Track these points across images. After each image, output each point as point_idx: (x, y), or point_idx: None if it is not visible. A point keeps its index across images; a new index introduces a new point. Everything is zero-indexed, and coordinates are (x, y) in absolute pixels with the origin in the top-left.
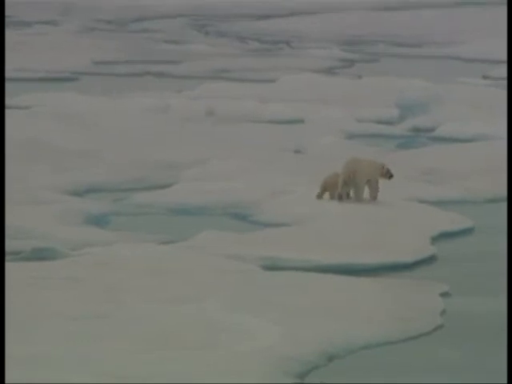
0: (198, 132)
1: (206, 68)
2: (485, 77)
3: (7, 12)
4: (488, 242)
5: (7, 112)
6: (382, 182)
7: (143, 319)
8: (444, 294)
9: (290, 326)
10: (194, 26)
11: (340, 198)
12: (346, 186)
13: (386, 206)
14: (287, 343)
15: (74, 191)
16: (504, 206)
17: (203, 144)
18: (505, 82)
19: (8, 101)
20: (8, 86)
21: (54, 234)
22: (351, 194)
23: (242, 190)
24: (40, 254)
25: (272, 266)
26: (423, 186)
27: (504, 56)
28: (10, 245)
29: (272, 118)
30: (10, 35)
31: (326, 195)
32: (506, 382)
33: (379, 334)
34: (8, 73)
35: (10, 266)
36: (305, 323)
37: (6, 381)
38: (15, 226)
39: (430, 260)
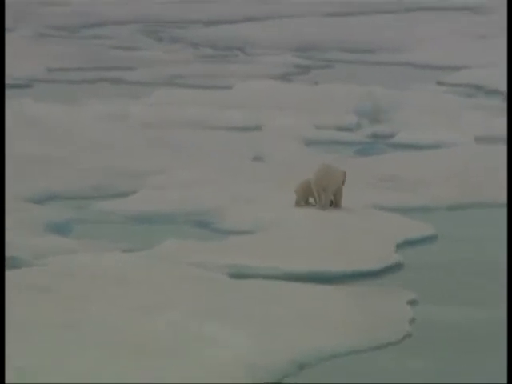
0: (157, 139)
1: (160, 74)
2: (439, 83)
3: None
4: (452, 249)
5: None
6: (346, 189)
7: (112, 328)
8: (411, 302)
9: (259, 335)
10: (145, 33)
11: (324, 206)
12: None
13: (349, 212)
14: (257, 352)
15: (34, 198)
16: (466, 213)
17: (163, 151)
18: (460, 89)
19: None
20: None
21: (15, 242)
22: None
23: (204, 198)
24: (7, 263)
25: (238, 274)
26: (384, 193)
27: (458, 62)
28: None
29: (229, 124)
30: None
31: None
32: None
33: (348, 342)
34: None
35: None
36: (273, 332)
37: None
38: None
39: (396, 268)
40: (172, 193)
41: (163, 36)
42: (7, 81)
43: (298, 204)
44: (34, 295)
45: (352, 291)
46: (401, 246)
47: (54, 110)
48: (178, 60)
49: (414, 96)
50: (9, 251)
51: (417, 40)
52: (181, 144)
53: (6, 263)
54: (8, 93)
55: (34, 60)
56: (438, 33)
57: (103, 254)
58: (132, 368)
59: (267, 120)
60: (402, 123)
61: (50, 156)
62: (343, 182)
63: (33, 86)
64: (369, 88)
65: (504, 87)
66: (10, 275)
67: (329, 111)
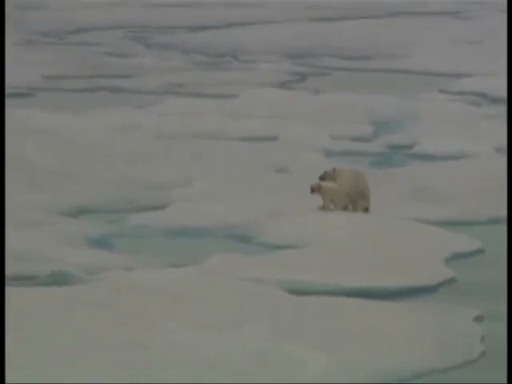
0: (175, 150)
1: (159, 82)
2: (441, 91)
3: None
4: (502, 264)
5: None
6: (378, 201)
7: (184, 347)
8: (477, 319)
9: (337, 354)
10: (132, 39)
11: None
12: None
13: (389, 224)
14: (339, 372)
15: (65, 212)
16: (505, 227)
17: (184, 163)
18: (465, 97)
19: None
20: None
21: (62, 257)
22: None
23: (238, 211)
24: (57, 279)
25: (294, 290)
26: (419, 205)
27: (458, 69)
28: (18, 268)
29: (244, 134)
30: None
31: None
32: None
33: (426, 362)
34: None
35: (28, 292)
36: (350, 351)
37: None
38: (18, 248)
39: (450, 282)
40: (204, 206)
41: (151, 42)
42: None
43: (326, 208)
44: (95, 312)
45: (415, 307)
46: (449, 261)
47: (64, 121)
48: (173, 67)
49: (426, 105)
50: (57, 266)
51: (410, 46)
52: (200, 155)
53: (55, 279)
54: (9, 102)
55: (27, 67)
56: (429, 38)
57: (157, 269)
58: None
59: (282, 130)
60: (418, 133)
61: (71, 168)
62: None
63: (34, 95)
64: (379, 97)
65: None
66: (65, 292)
67: (342, 121)
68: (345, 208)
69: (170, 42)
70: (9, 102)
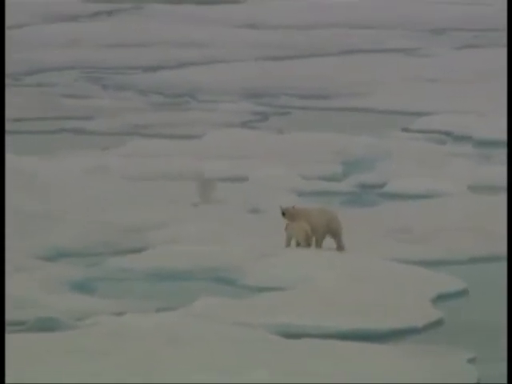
0: (147, 192)
1: (121, 124)
2: (404, 129)
3: None
4: (486, 305)
5: None
6: (355, 241)
7: None
8: (471, 361)
9: None
10: (87, 79)
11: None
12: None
13: (371, 265)
14: None
15: (44, 256)
16: (490, 266)
17: (157, 204)
18: (429, 135)
19: None
20: None
21: (45, 302)
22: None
23: (217, 253)
24: (44, 325)
25: (284, 333)
26: (398, 245)
27: (417, 107)
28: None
29: (213, 175)
30: None
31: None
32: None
33: None
34: None
35: (14, 338)
36: None
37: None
38: None
39: (438, 324)
40: (185, 249)
41: (107, 83)
42: None
43: (288, 245)
44: (92, 360)
45: (408, 350)
46: (435, 301)
47: (35, 164)
48: (132, 108)
49: (393, 144)
50: (41, 312)
51: (368, 84)
52: (173, 196)
53: (41, 325)
54: None
55: None
56: (385, 77)
57: (147, 313)
58: None
59: (251, 170)
60: (388, 172)
61: (47, 211)
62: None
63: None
64: (346, 136)
65: (474, 133)
66: (55, 338)
67: (311, 161)
68: (308, 245)
69: (126, 83)
70: None
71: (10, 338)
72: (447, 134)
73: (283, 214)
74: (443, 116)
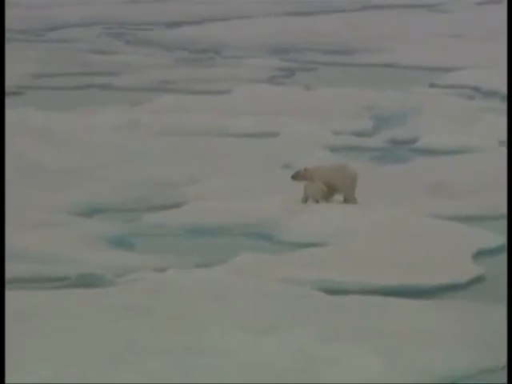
0: (179, 148)
1: (147, 80)
2: (431, 85)
3: None
4: None
5: None
6: (393, 196)
7: (235, 350)
8: None
9: (387, 356)
10: (110, 35)
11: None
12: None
13: (409, 221)
14: (392, 374)
15: (79, 212)
16: None
17: (190, 160)
18: (457, 91)
19: None
20: None
21: (86, 259)
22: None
23: (253, 209)
24: (86, 281)
25: (329, 290)
26: (436, 201)
27: (445, 62)
28: (41, 270)
29: (243, 131)
30: None
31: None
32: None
33: (475, 362)
34: None
35: (57, 294)
36: (399, 352)
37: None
38: (37, 250)
39: (480, 279)
40: (218, 203)
41: (130, 39)
42: None
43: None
44: (134, 316)
45: (451, 305)
46: (476, 257)
47: (61, 120)
48: (158, 64)
49: (423, 99)
50: (81, 268)
51: (390, 40)
52: (204, 152)
53: (82, 281)
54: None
55: (11, 66)
56: (409, 32)
57: (188, 270)
58: None
59: (282, 126)
60: (418, 128)
61: (78, 168)
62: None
63: (24, 94)
64: (375, 91)
65: (502, 88)
66: (96, 294)
67: (340, 116)
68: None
69: (150, 38)
70: None
71: (51, 294)
72: (475, 89)
73: (292, 177)
74: (469, 71)
